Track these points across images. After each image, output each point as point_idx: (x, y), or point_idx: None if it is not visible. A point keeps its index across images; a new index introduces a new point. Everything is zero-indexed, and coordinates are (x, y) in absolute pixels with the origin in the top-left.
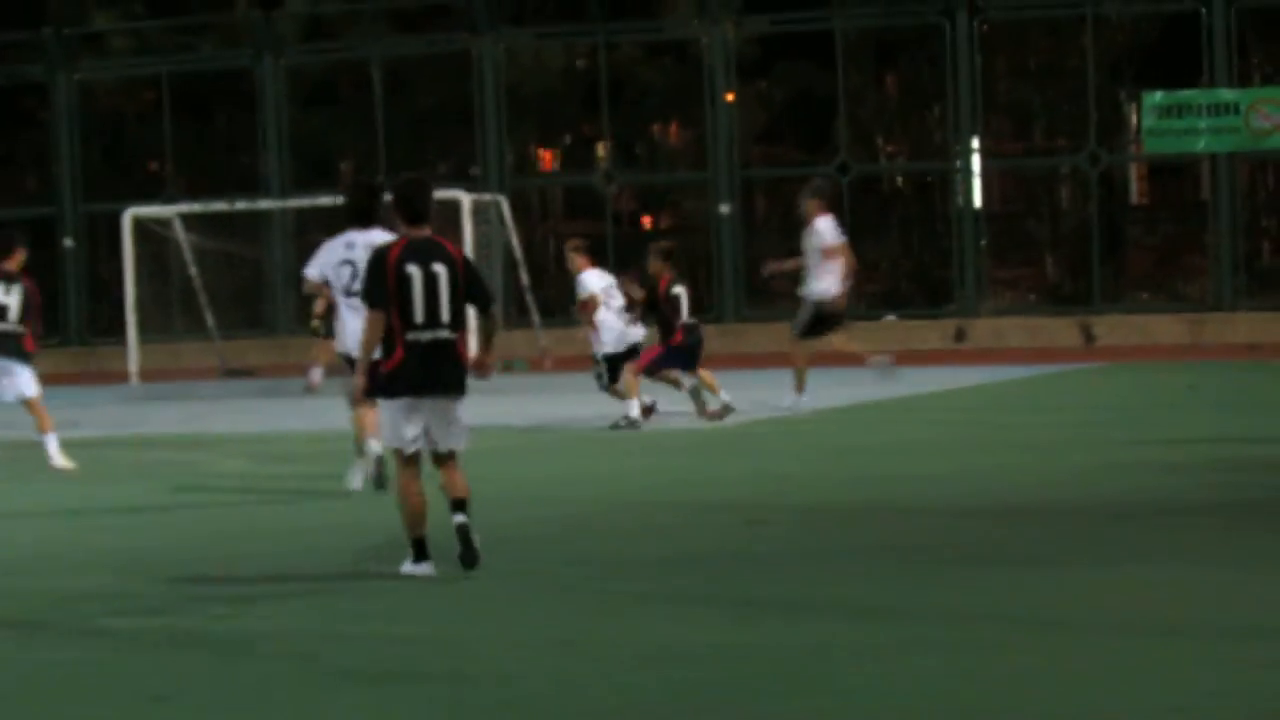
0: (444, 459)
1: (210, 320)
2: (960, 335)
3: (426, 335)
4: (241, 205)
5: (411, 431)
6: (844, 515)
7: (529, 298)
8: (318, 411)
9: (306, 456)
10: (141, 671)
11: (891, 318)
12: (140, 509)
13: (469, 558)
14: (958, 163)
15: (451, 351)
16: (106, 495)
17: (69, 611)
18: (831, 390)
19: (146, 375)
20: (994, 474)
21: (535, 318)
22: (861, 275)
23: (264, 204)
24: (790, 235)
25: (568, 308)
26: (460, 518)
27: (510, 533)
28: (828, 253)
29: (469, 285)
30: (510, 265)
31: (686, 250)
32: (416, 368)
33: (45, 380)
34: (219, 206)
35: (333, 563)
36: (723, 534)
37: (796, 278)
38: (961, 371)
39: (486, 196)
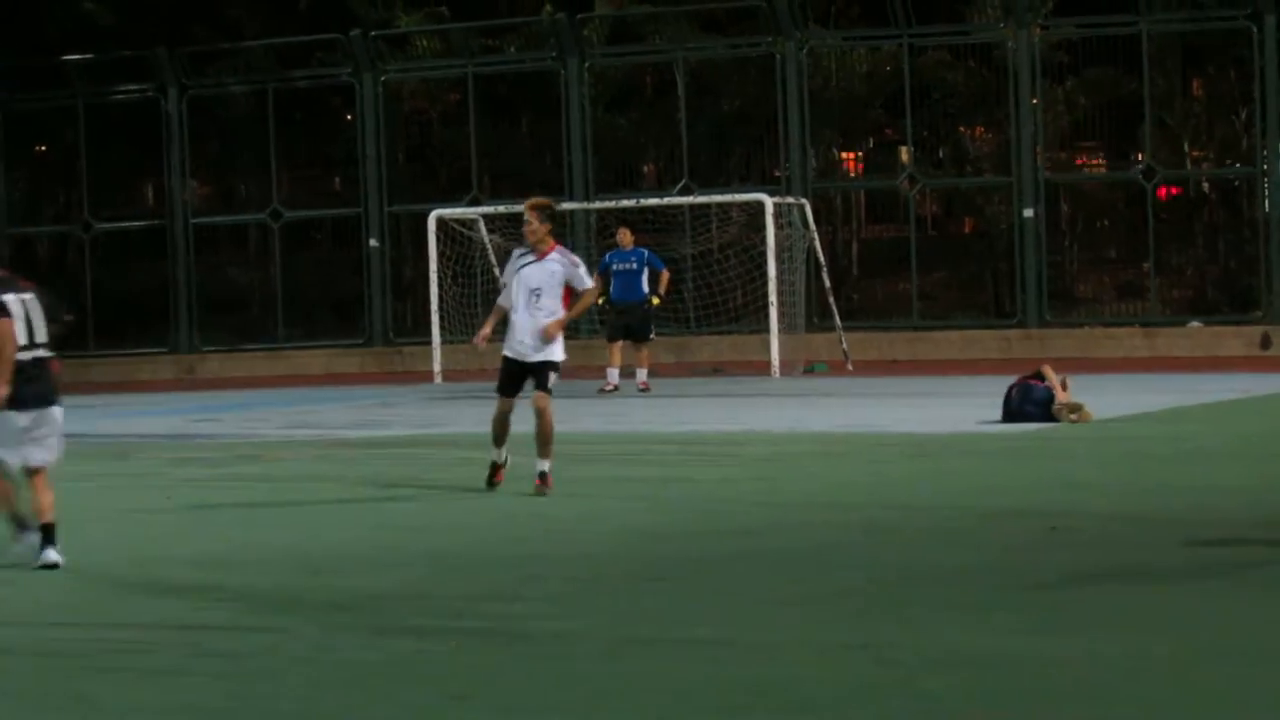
0: None
1: None
2: (1266, 343)
3: None
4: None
5: None
6: (1147, 524)
7: (831, 301)
8: (613, 414)
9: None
10: (442, 670)
11: (1196, 324)
12: (443, 508)
13: None
14: (1264, 167)
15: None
16: (410, 495)
17: (374, 610)
18: (1132, 397)
19: (450, 376)
20: None
21: (837, 321)
22: (1165, 281)
23: (567, 205)
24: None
25: (863, 311)
26: None
27: (810, 539)
28: None
29: None
30: (813, 268)
31: (988, 253)
32: None
33: (351, 380)
34: (522, 208)
35: (637, 565)
36: (1023, 540)
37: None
38: (1266, 379)
39: (789, 200)
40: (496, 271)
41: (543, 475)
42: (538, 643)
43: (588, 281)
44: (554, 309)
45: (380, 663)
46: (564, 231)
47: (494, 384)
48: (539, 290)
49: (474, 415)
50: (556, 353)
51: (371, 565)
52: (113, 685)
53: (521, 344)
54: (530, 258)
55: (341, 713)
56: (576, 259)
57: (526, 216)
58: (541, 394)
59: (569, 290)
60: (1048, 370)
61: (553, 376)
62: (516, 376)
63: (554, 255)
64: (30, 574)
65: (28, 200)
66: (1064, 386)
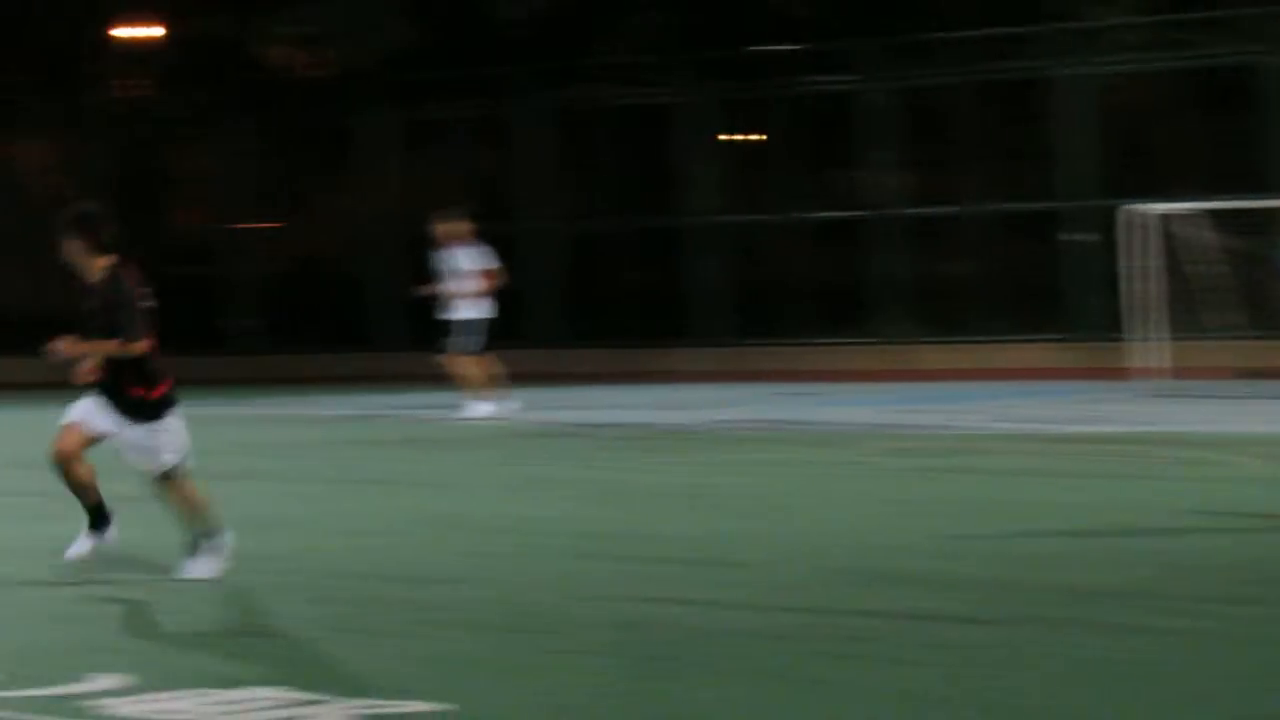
0: None
1: (1226, 319)
2: None
3: None
4: (1251, 203)
5: None
6: None
7: None
8: None
9: None
10: (1180, 667)
11: None
12: (1172, 505)
13: None
14: None
15: None
16: (1128, 492)
17: (1102, 606)
18: None
19: (1180, 373)
20: None
21: None
22: None
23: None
24: None
25: None
26: None
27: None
28: None
29: None
30: None
31: None
32: None
33: (1050, 375)
34: (1228, 204)
35: None
36: None
37: None
38: None
39: None
40: (1201, 268)
41: None
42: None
43: None
44: None
45: (1120, 662)
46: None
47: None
48: None
49: (1203, 413)
50: None
51: (1094, 561)
52: (845, 669)
53: None
54: None
55: (1084, 711)
56: None
57: None
58: None
59: None
60: None
61: None
62: None
63: None
64: (751, 557)
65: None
66: None
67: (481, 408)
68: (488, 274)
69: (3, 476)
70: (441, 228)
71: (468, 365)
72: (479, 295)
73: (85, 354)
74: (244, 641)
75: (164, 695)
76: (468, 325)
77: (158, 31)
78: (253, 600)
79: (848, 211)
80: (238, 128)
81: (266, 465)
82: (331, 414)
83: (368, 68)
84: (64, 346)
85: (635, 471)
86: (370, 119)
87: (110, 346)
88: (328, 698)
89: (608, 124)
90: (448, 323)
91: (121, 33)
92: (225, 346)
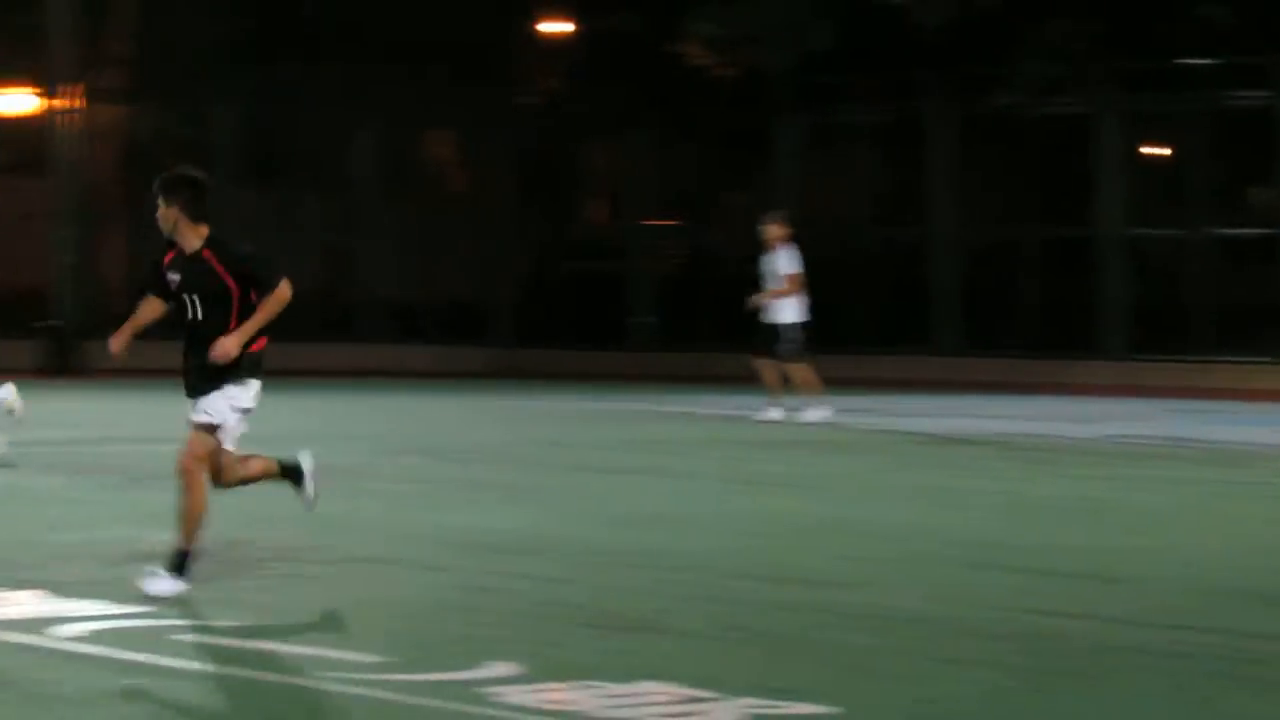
0: None
1: None
2: None
3: None
4: None
5: None
6: None
7: None
8: None
9: None
10: None
11: None
12: None
13: None
14: None
15: None
16: None
17: None
18: None
19: None
20: None
21: None
22: None
23: None
24: None
25: None
26: None
27: None
28: None
29: None
30: None
31: None
32: None
33: None
34: None
35: None
36: None
37: None
38: None
39: None
40: None
41: None
42: None
43: None
44: None
45: None
46: None
47: None
48: None
49: None
50: None
51: None
52: (1241, 693)
53: None
54: None
55: None
56: None
57: None
58: None
59: None
60: None
61: None
62: None
63: None
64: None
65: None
66: None
67: (813, 412)
68: (794, 278)
69: (407, 465)
70: (768, 231)
71: (785, 370)
72: (793, 299)
73: (248, 337)
74: (635, 636)
75: (555, 686)
76: (782, 329)
77: (570, 28)
78: (643, 595)
79: (1263, 229)
80: (648, 126)
81: (658, 462)
82: (718, 413)
83: (780, 70)
84: (228, 345)
85: (1027, 482)
86: (781, 121)
87: (262, 315)
88: (717, 695)
89: (1019, 132)
90: (767, 326)
91: (536, 28)
92: (624, 344)
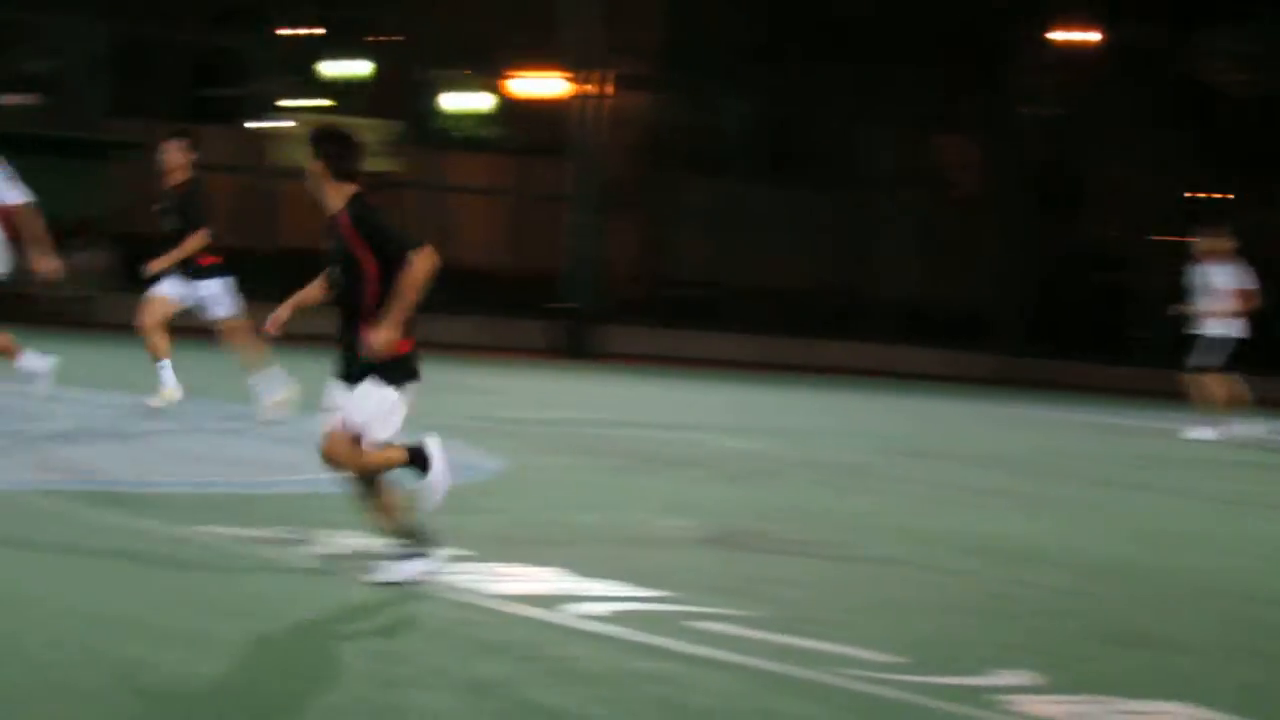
0: None
1: None
2: None
3: None
4: None
5: None
6: None
7: None
8: None
9: None
10: None
11: None
12: None
13: None
14: None
15: None
16: None
17: None
18: None
19: None
20: None
21: None
22: None
23: None
24: None
25: None
26: None
27: None
28: None
29: None
30: None
31: None
32: None
33: None
34: None
35: None
36: None
37: None
38: None
39: None
40: None
41: None
42: None
43: None
44: None
45: None
46: None
47: None
48: None
49: None
50: None
51: None
52: None
53: None
54: None
55: None
56: None
57: None
58: None
59: None
60: None
61: None
62: None
63: None
64: None
65: None
66: None
67: (1204, 430)
68: (1243, 294)
69: (918, 466)
70: (1202, 244)
71: (1208, 384)
72: (1231, 314)
73: (397, 327)
74: (1154, 653)
75: (1071, 699)
76: (1214, 343)
77: (1088, 37)
78: (1167, 613)
79: None
80: (1163, 138)
81: (1157, 479)
82: (1229, 433)
83: None
84: (377, 342)
85: None
86: None
87: (402, 301)
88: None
89: None
90: (1197, 339)
91: (1052, 36)
92: (1132, 358)
